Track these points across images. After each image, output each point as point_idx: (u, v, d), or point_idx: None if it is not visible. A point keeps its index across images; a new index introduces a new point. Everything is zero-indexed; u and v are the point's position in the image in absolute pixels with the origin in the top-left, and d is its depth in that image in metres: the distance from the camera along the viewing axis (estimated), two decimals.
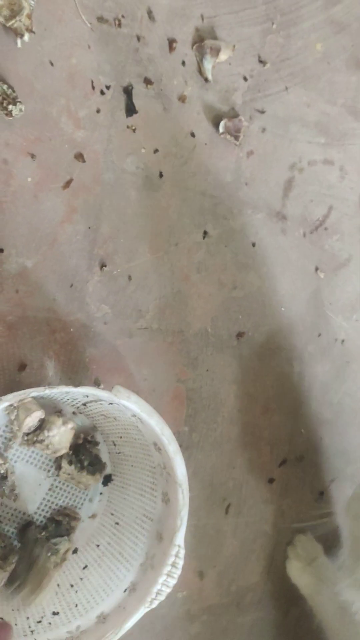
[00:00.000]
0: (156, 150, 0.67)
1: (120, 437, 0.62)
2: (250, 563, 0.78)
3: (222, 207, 0.72)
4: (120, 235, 0.65)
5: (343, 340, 0.81)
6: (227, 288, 0.73)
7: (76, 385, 0.51)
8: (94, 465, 0.62)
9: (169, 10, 0.66)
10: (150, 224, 0.67)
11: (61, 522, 0.60)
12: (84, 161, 0.63)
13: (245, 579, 0.78)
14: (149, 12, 0.65)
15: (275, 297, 0.76)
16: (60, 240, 0.62)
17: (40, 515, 0.61)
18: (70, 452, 0.60)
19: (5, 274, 0.59)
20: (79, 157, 0.62)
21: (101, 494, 0.64)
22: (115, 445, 0.63)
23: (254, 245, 0.74)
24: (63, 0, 0.60)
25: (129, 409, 0.53)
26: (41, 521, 0.61)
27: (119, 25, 0.63)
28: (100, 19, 0.62)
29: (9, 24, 0.56)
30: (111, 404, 0.56)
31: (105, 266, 0.64)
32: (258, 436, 0.77)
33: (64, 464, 0.60)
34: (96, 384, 0.65)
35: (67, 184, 0.62)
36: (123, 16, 0.63)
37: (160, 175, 0.67)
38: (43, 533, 0.59)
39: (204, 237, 0.71)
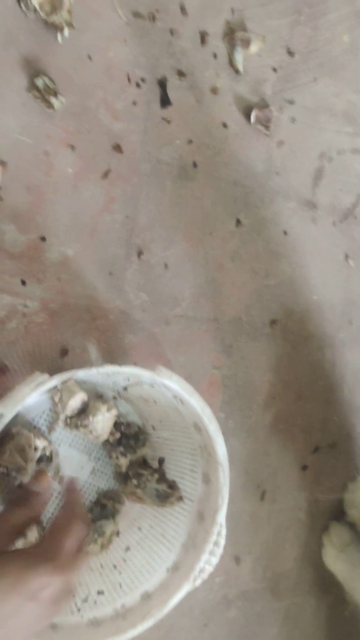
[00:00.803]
0: (190, 141, 0.68)
1: (160, 421, 0.63)
2: (285, 550, 0.79)
3: (254, 196, 0.73)
4: (157, 224, 0.67)
5: None
6: (260, 276, 0.74)
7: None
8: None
9: (200, 4, 0.67)
10: (185, 213, 0.68)
11: (106, 505, 0.61)
12: (121, 152, 0.64)
13: (280, 565, 0.79)
14: (182, 7, 0.66)
15: (306, 285, 0.77)
16: (100, 229, 0.63)
17: (84, 498, 0.63)
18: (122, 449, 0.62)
19: (47, 263, 0.61)
20: (117, 148, 0.64)
21: None
22: (154, 429, 0.64)
23: (285, 233, 0.75)
24: (109, 5, 0.62)
25: (171, 389, 0.54)
26: (85, 504, 0.62)
27: (153, 19, 0.65)
28: (136, 14, 0.64)
29: (50, 19, 0.58)
30: (152, 386, 0.57)
31: (143, 254, 0.66)
32: (291, 423, 0.77)
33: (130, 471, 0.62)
34: None
35: (106, 174, 0.63)
36: (157, 10, 0.65)
37: (194, 165, 0.69)
38: (89, 515, 0.60)
39: (236, 226, 0.72)
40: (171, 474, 0.63)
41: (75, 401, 0.57)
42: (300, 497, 0.79)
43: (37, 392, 0.49)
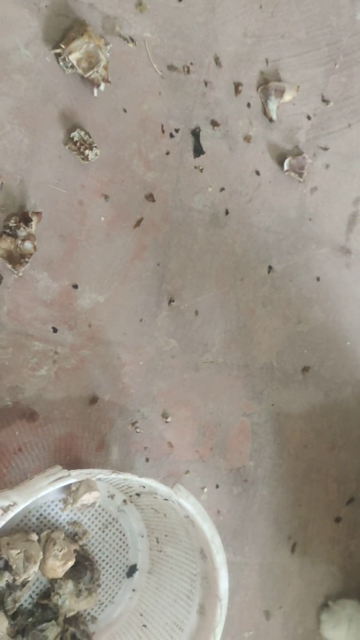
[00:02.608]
0: (222, 189, 0.69)
1: (166, 536, 0.61)
2: (317, 605, 0.76)
3: (286, 242, 0.72)
4: (188, 271, 0.67)
5: None
6: (292, 322, 0.73)
7: (140, 475, 0.51)
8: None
9: (234, 56, 0.68)
10: (216, 260, 0.69)
11: (47, 606, 0.57)
12: (153, 201, 0.65)
13: (312, 621, 0.76)
14: (216, 59, 0.68)
15: (340, 332, 0.76)
16: (131, 276, 0.64)
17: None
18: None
19: (79, 309, 0.62)
20: (149, 197, 0.65)
21: (134, 590, 0.63)
22: (158, 542, 0.62)
23: (318, 279, 0.74)
24: (136, 51, 0.63)
25: (184, 508, 0.53)
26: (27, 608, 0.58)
27: (188, 71, 0.66)
28: (171, 67, 0.65)
29: (87, 75, 0.60)
30: (166, 500, 0.56)
31: (173, 301, 0.66)
32: (324, 473, 0.75)
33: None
34: (164, 417, 0.66)
35: (138, 222, 0.64)
36: (192, 63, 0.66)
37: (226, 212, 0.69)
38: (30, 619, 0.57)
39: (268, 272, 0.71)
40: (165, 593, 0.60)
41: (89, 497, 0.57)
42: (333, 550, 0.76)
43: (53, 486, 0.48)
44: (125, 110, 0.63)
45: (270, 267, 0.71)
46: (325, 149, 0.74)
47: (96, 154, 0.61)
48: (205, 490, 0.68)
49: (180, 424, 0.66)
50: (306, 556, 0.75)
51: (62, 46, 0.59)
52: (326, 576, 0.76)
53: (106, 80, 0.61)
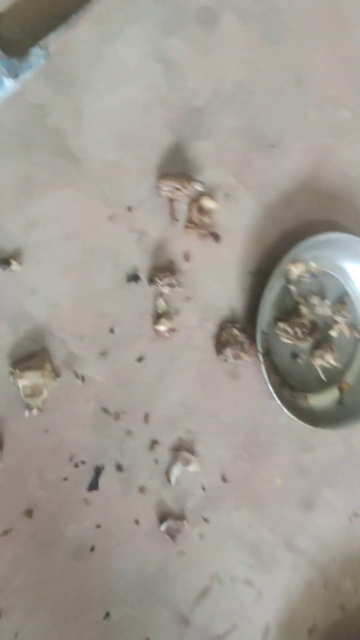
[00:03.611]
0: (98, 526, 0.74)
1: None
2: None
3: (133, 594, 0.75)
4: (30, 592, 0.69)
5: None
6: None
7: None
8: None
9: (164, 418, 0.78)
10: (60, 590, 0.71)
11: None
12: (30, 517, 0.69)
13: None
14: (146, 416, 0.77)
15: None
16: None
17: None
18: None
19: None
20: (28, 512, 0.69)
21: None
22: None
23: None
24: (82, 388, 0.72)
25: None
26: None
27: (117, 418, 0.75)
28: (104, 410, 0.74)
29: (25, 400, 0.67)
30: None
31: (0, 616, 0.67)
32: None
33: None
34: None
35: (6, 532, 0.68)
36: (124, 412, 0.75)
37: (92, 549, 0.73)
38: None
39: (104, 618, 0.73)
40: None
41: None
42: None
43: None
44: (46, 432, 0.70)
45: (107, 614, 0.74)
46: (207, 520, 0.81)
47: (1, 461, 0.66)
48: None
49: None
50: None
51: (17, 370, 0.67)
52: None
53: (39, 410, 0.68)
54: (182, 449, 0.79)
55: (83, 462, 0.73)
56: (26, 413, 0.68)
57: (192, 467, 0.79)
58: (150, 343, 0.77)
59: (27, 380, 0.66)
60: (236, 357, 0.81)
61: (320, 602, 0.89)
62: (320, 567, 0.89)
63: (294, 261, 0.81)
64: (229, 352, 0.80)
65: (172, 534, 0.77)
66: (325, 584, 0.89)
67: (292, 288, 0.84)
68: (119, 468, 0.75)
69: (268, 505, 0.86)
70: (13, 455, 0.68)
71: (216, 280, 0.81)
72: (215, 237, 0.79)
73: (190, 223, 0.79)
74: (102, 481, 0.74)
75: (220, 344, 0.80)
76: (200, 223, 0.79)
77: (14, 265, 0.68)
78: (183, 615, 0.79)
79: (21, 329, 0.69)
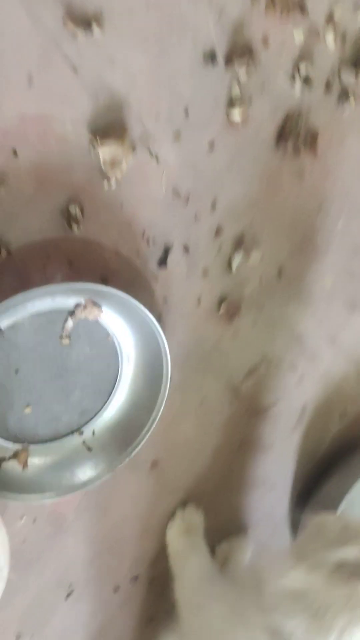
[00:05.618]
0: (165, 300, 0.80)
1: None
2: None
3: (191, 360, 0.84)
4: None
5: None
6: None
7: None
8: None
9: (229, 208, 0.81)
10: None
11: None
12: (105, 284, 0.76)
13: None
14: (214, 203, 0.80)
15: None
16: None
17: None
18: None
19: None
20: (104, 280, 0.76)
21: None
22: None
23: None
24: (155, 168, 0.75)
25: None
26: None
27: (187, 202, 0.78)
28: (176, 192, 0.77)
29: (105, 170, 0.70)
30: None
31: None
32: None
33: None
34: None
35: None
36: (193, 197, 0.78)
37: (159, 317, 0.80)
38: None
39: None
40: None
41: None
42: None
43: None
44: (122, 207, 0.74)
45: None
46: (261, 309, 0.88)
47: (79, 230, 0.71)
48: (24, 518, 0.78)
49: None
50: (75, 606, 0.86)
51: (98, 137, 0.69)
52: None
53: (118, 181, 0.72)
54: (244, 241, 0.83)
55: (154, 240, 0.78)
56: (105, 185, 0.72)
57: (253, 259, 0.84)
58: (221, 130, 0.78)
59: (107, 149, 0.69)
60: (295, 150, 0.81)
61: (353, 392, 0.99)
62: (357, 363, 0.98)
63: None
64: (290, 144, 0.81)
65: (229, 314, 0.84)
66: (358, 378, 0.97)
67: None
68: (186, 249, 0.80)
69: (317, 303, 0.92)
70: (91, 225, 0.73)
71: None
72: (302, 7, 0.75)
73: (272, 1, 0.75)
74: (170, 260, 0.79)
75: (282, 135, 0.80)
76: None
77: (95, 29, 0.66)
78: (234, 386, 0.89)
79: (101, 101, 0.70)
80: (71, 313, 0.72)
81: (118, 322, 0.76)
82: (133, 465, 0.77)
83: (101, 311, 0.73)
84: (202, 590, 0.79)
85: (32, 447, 0.76)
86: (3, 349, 0.71)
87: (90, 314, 0.73)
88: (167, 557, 0.89)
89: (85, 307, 0.72)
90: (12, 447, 0.75)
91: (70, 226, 0.71)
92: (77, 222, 0.71)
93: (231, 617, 0.68)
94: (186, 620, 0.78)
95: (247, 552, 0.97)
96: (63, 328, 0.73)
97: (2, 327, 0.70)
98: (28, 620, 0.85)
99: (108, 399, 0.80)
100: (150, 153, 0.74)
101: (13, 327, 0.71)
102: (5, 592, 0.72)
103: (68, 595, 0.87)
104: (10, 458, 0.74)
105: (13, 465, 0.74)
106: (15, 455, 0.74)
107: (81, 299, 0.72)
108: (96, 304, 0.73)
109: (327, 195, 0.87)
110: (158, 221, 0.77)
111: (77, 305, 0.72)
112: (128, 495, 0.86)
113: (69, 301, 0.72)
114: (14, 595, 0.83)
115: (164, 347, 0.74)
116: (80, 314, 0.72)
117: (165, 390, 0.77)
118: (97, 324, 0.75)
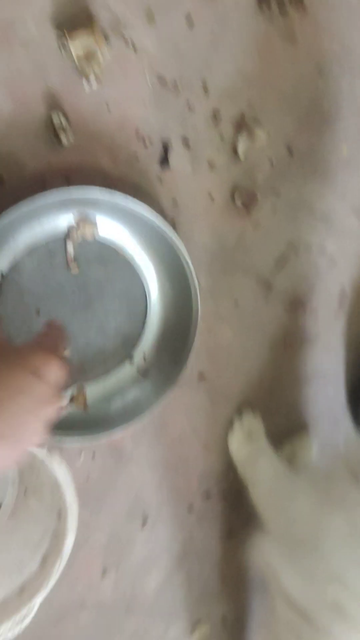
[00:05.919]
0: (175, 201, 0.75)
1: (33, 491, 0.70)
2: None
3: (216, 262, 0.80)
4: None
5: None
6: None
7: None
8: None
9: (223, 90, 0.74)
10: None
11: None
12: None
13: (141, 588, 0.87)
14: (205, 86, 0.73)
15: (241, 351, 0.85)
16: None
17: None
18: None
19: None
20: None
21: None
22: (25, 494, 0.72)
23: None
24: (134, 58, 0.68)
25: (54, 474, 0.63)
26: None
27: (177, 91, 0.72)
28: (161, 79, 0.71)
29: (81, 66, 0.64)
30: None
31: None
32: (190, 466, 0.85)
33: None
34: None
35: None
36: (181, 84, 0.72)
37: (172, 224, 0.76)
38: None
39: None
40: (17, 539, 0.69)
41: None
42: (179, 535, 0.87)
43: None
44: (108, 108, 0.69)
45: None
46: (277, 193, 0.82)
47: (69, 140, 0.66)
48: (82, 455, 0.77)
49: None
50: (153, 532, 0.86)
51: (65, 30, 0.63)
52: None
53: (98, 79, 0.66)
54: (245, 122, 0.77)
55: (150, 140, 0.72)
56: (85, 85, 0.66)
57: (258, 142, 0.77)
58: (196, 1, 0.70)
59: (77, 42, 0.63)
60: (281, 9, 0.74)
61: None
62: None
63: None
64: (273, 3, 0.73)
65: (246, 206, 0.79)
66: None
67: None
68: (186, 143, 0.74)
69: (336, 175, 0.86)
70: (80, 134, 0.68)
71: None
72: None
73: None
74: (171, 159, 0.74)
75: None
76: None
77: None
78: (265, 280, 0.84)
79: None
80: (67, 237, 0.68)
81: (124, 234, 0.71)
82: (181, 381, 0.74)
83: (96, 226, 0.69)
84: (281, 489, 0.77)
85: (86, 386, 0.73)
86: (14, 294, 0.68)
87: (87, 232, 0.68)
88: (233, 469, 0.88)
89: (78, 226, 0.67)
90: (66, 392, 0.72)
91: (58, 138, 0.66)
92: (64, 131, 0.66)
93: (324, 505, 0.67)
94: (272, 523, 0.76)
95: (312, 449, 0.95)
96: (66, 256, 0.69)
97: (4, 272, 0.66)
98: (110, 555, 0.85)
99: (145, 320, 0.76)
100: (125, 40, 0.68)
101: (14, 268, 0.67)
102: (80, 532, 0.71)
103: (143, 523, 0.86)
104: (68, 403, 0.72)
105: (71, 409, 0.72)
106: (72, 399, 0.72)
107: (72, 220, 0.67)
108: (89, 220, 0.68)
109: (325, 54, 0.80)
110: (150, 117, 0.71)
111: (70, 228, 0.68)
112: (181, 412, 0.83)
113: (61, 225, 0.68)
114: (92, 534, 0.82)
115: (183, 253, 0.69)
116: (76, 235, 0.68)
117: (196, 297, 0.72)
118: (100, 243, 0.71)
